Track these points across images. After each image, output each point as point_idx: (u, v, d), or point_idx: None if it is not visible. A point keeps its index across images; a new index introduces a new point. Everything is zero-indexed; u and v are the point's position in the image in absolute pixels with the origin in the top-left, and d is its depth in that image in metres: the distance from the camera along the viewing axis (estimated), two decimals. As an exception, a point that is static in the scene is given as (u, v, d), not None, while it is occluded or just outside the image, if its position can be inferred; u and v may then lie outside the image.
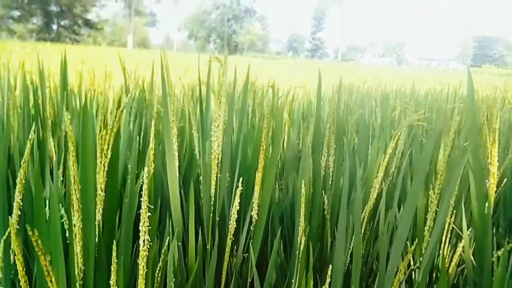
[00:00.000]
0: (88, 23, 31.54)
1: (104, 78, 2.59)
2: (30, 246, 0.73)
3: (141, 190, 0.56)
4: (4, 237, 0.59)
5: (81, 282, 0.56)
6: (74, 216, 0.54)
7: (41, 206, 0.56)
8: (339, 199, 0.94)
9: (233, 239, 0.74)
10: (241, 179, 0.70)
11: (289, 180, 1.13)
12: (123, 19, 38.84)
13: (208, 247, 0.73)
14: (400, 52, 56.72)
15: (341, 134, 0.96)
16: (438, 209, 0.59)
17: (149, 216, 0.52)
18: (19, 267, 0.50)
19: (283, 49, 56.95)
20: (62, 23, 30.31)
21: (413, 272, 0.97)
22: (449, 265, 0.95)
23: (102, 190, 0.55)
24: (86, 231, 0.54)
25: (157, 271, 0.62)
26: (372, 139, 1.22)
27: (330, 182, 0.96)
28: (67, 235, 0.60)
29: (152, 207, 0.55)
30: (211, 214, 0.73)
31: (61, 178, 0.89)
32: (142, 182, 0.52)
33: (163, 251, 0.61)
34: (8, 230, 0.57)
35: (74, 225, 0.53)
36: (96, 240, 0.56)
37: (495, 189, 0.69)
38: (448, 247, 0.96)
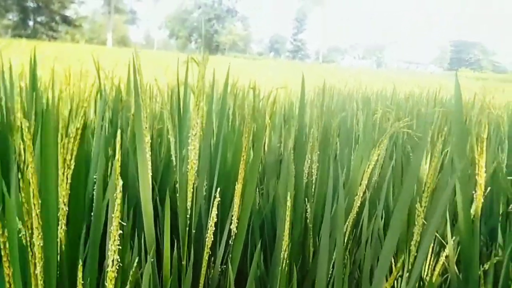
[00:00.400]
0: (66, 20, 30.85)
1: (79, 77, 2.50)
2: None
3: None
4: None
5: (42, 305, 0.51)
6: (34, 233, 0.48)
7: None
8: (322, 208, 0.91)
9: (210, 252, 0.70)
10: (218, 189, 0.65)
11: (270, 185, 1.09)
12: (102, 16, 38.20)
13: (184, 262, 0.69)
14: (380, 54, 57.56)
15: (325, 141, 0.93)
16: (425, 223, 0.56)
17: (120, 234, 0.48)
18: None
19: (264, 49, 57.03)
20: (38, 19, 29.56)
21: (395, 281, 0.94)
22: (432, 274, 0.93)
23: (65, 204, 0.50)
24: (47, 250, 0.49)
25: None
26: (355, 145, 1.20)
27: (313, 190, 0.93)
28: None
29: (125, 223, 0.51)
30: (187, 228, 0.69)
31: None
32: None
33: (133, 269, 0.56)
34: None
35: (33, 243, 0.48)
36: (58, 259, 0.51)
37: (482, 200, 0.66)
38: (431, 256, 0.94)
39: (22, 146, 1.08)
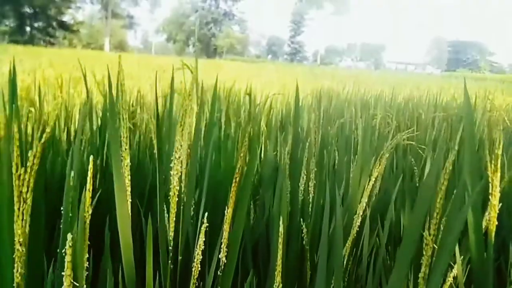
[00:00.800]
0: (63, 25, 30.82)
1: (72, 84, 2.43)
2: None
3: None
4: None
5: None
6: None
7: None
8: (320, 228, 0.85)
9: (197, 284, 0.63)
10: (206, 214, 0.59)
11: (266, 197, 1.03)
12: (99, 21, 38.19)
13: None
14: (377, 56, 57.57)
15: (321, 159, 0.87)
16: (434, 257, 0.50)
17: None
18: None
19: (262, 52, 57.04)
20: (36, 25, 29.51)
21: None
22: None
23: (21, 245, 0.43)
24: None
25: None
26: (354, 156, 1.13)
27: (309, 209, 0.86)
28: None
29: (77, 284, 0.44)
30: (170, 261, 0.62)
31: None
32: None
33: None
34: None
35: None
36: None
37: (496, 222, 0.60)
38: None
39: None
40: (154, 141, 0.84)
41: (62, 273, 0.40)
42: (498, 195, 0.58)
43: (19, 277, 0.44)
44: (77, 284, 0.41)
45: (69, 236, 0.38)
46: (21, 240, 0.43)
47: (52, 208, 0.75)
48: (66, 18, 31.53)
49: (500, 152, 0.56)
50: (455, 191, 0.54)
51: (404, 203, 0.99)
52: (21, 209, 0.43)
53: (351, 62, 58.21)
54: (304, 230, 0.82)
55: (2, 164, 0.42)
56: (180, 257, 0.67)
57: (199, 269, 0.62)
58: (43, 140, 0.42)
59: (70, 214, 0.47)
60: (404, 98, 3.48)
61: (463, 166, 0.56)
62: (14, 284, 0.44)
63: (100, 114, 1.35)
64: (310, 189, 0.86)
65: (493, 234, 0.60)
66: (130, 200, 0.58)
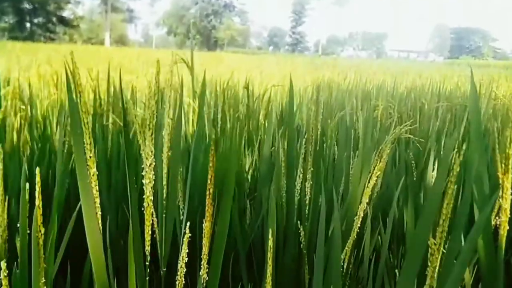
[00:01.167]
0: (62, 21, 30.70)
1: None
2: None
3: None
4: None
5: None
6: None
7: None
8: (317, 231, 0.80)
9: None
10: (188, 223, 0.54)
11: (262, 197, 0.98)
12: (99, 16, 38.04)
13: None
14: (379, 45, 57.14)
15: (320, 154, 0.82)
16: (441, 269, 0.46)
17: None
18: None
19: (264, 44, 56.73)
20: (35, 21, 29.40)
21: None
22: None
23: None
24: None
25: None
26: (354, 151, 1.08)
27: (306, 211, 0.81)
28: None
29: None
30: (147, 277, 0.57)
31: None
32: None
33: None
34: None
35: None
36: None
37: (507, 227, 0.55)
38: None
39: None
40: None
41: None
42: (509, 197, 0.53)
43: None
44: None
45: (3, 264, 0.33)
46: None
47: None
48: (65, 13, 31.43)
49: (511, 151, 0.51)
50: (460, 199, 0.50)
51: (407, 199, 0.95)
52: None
53: (352, 52, 57.84)
54: (302, 233, 0.77)
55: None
56: (164, 269, 0.63)
57: (183, 282, 0.58)
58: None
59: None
60: (406, 87, 3.41)
61: (471, 166, 0.51)
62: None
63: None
64: (307, 189, 0.81)
65: (504, 239, 0.55)
66: (101, 213, 0.53)
